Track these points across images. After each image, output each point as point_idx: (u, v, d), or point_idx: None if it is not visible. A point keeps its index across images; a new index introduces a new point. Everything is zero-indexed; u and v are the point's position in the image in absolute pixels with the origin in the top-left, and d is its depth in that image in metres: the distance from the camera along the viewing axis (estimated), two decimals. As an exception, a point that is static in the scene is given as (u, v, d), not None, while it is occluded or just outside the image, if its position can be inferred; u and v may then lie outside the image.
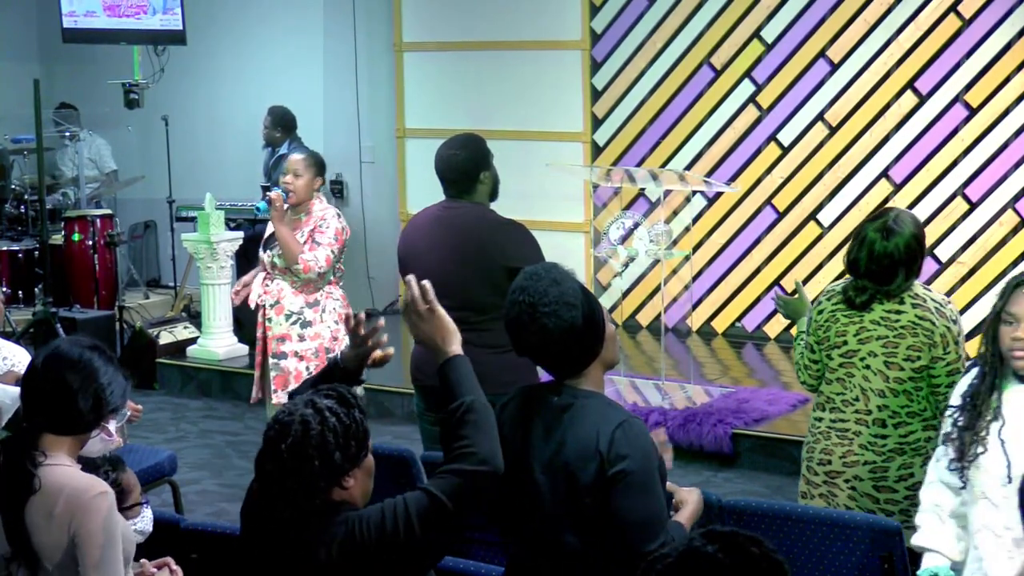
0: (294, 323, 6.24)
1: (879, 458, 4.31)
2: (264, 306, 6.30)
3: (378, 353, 3.24)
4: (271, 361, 6.26)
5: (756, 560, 1.98)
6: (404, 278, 3.04)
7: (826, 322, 4.42)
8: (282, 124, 10.09)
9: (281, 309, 6.26)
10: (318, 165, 6.41)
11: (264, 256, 6.36)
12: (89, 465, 3.53)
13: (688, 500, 3.34)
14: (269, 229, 6.39)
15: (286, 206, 6.26)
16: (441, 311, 3.10)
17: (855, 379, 4.36)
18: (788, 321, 5.11)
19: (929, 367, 4.27)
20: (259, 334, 6.38)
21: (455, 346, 3.07)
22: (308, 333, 6.23)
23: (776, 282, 9.34)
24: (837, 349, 4.39)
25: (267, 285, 6.33)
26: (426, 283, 3.10)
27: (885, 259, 4.26)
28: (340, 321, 3.14)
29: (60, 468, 3.28)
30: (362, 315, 3.27)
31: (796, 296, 4.82)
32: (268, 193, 6.31)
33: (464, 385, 3.00)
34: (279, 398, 6.15)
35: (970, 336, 6.69)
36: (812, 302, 4.60)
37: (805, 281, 9.22)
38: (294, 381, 6.11)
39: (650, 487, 3.09)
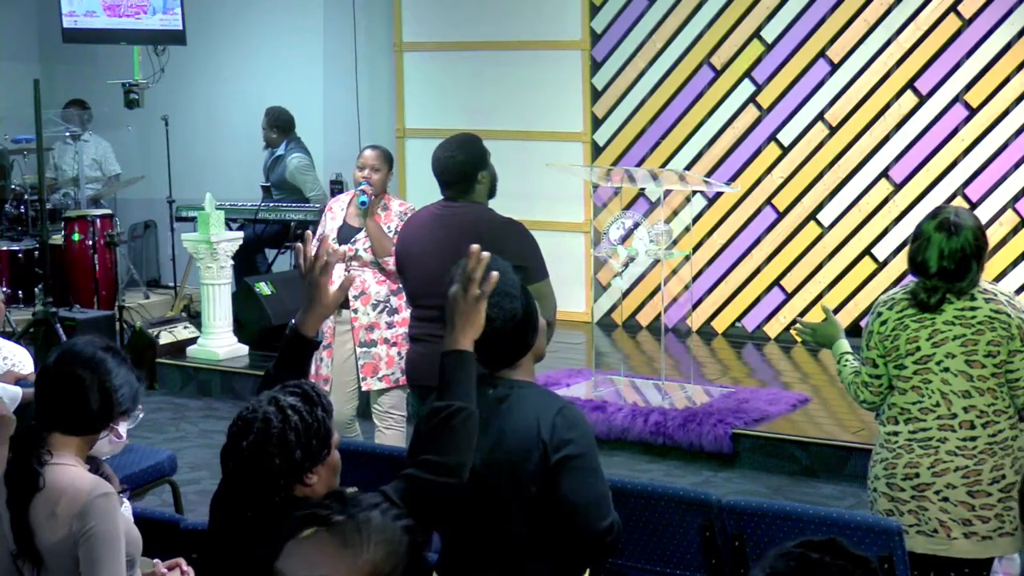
0: (381, 311, 6.37)
1: (970, 462, 4.15)
2: (350, 297, 6.36)
3: (332, 290, 3.22)
4: (360, 350, 6.34)
5: (864, 561, 2.07)
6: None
7: (893, 331, 4.25)
8: (278, 124, 10.09)
9: (368, 299, 6.37)
10: (391, 160, 6.61)
11: (342, 248, 6.41)
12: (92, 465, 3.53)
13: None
14: (326, 224, 6.53)
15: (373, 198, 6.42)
16: (483, 307, 3.00)
17: (933, 384, 4.20)
18: (788, 322, 5.07)
19: (1008, 361, 4.16)
20: (329, 327, 6.42)
21: (470, 341, 3.01)
22: (396, 319, 6.36)
23: (776, 282, 9.35)
24: (910, 356, 4.22)
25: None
26: (495, 274, 2.99)
27: (957, 254, 4.13)
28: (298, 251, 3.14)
29: (65, 467, 3.28)
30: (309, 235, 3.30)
31: (826, 321, 4.64)
32: (362, 188, 6.41)
33: (462, 387, 2.97)
34: (369, 384, 6.32)
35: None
36: (871, 314, 4.43)
37: (805, 281, 9.23)
38: (385, 367, 6.29)
39: (595, 467, 3.21)
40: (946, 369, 4.18)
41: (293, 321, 3.29)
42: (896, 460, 4.24)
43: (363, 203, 6.36)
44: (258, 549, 2.83)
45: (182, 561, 3.54)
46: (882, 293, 4.70)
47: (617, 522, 3.26)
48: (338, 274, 6.30)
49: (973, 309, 4.17)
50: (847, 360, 4.43)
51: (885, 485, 4.26)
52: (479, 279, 2.96)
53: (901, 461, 4.23)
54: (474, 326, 2.99)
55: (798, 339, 8.46)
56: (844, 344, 4.49)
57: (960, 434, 4.17)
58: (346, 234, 6.45)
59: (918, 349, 4.21)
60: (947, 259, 4.14)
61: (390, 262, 6.18)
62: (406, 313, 6.28)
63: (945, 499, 4.17)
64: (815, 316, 8.10)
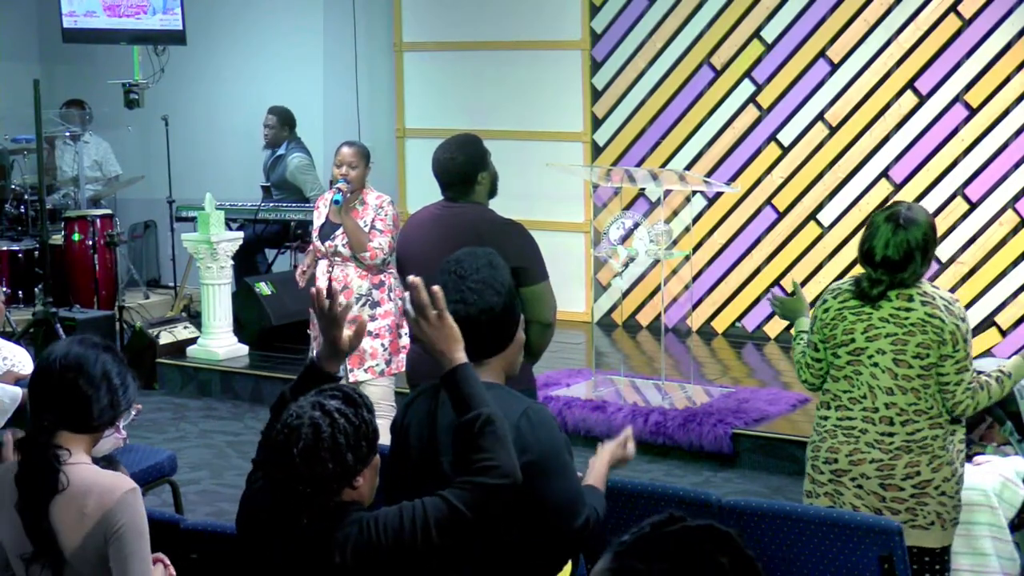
0: (363, 304, 6.57)
1: (886, 456, 4.30)
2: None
3: (347, 333, 3.21)
4: None
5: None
6: (405, 280, 3.04)
7: (832, 320, 4.41)
8: (288, 123, 10.15)
9: (350, 293, 6.54)
10: (367, 156, 6.81)
11: (322, 245, 6.71)
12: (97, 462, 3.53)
13: (593, 464, 3.47)
14: (318, 220, 6.79)
15: (350, 195, 6.64)
16: (449, 318, 3.03)
17: (863, 377, 4.35)
18: (787, 322, 5.11)
19: (938, 364, 4.27)
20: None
21: (460, 353, 3.02)
22: (378, 312, 6.59)
23: (776, 282, 9.35)
24: (844, 347, 4.37)
25: (331, 272, 6.65)
26: (436, 288, 3.04)
27: (902, 245, 4.26)
28: (314, 299, 3.16)
29: (83, 467, 3.28)
30: (335, 287, 3.30)
31: (794, 296, 4.82)
32: (338, 186, 6.65)
33: (477, 396, 2.96)
34: (355, 376, 6.49)
35: (972, 335, 6.65)
36: (816, 300, 4.59)
37: (805, 281, 9.23)
38: (370, 359, 6.52)
39: (560, 469, 3.16)
40: (876, 364, 4.33)
41: (315, 353, 3.27)
42: (820, 444, 4.43)
43: (336, 201, 6.60)
44: (320, 555, 2.84)
45: (163, 557, 3.54)
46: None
47: (593, 515, 3.25)
48: (322, 269, 6.70)
49: (908, 310, 4.29)
50: (801, 338, 4.63)
51: (809, 466, 4.47)
52: (428, 305, 3.00)
53: (824, 445, 4.41)
54: (453, 338, 3.01)
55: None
56: (804, 322, 4.66)
57: (879, 428, 4.32)
58: (327, 231, 6.72)
59: (852, 341, 4.36)
60: (891, 248, 4.27)
61: (366, 257, 6.54)
62: (388, 306, 6.63)
63: (859, 486, 4.34)
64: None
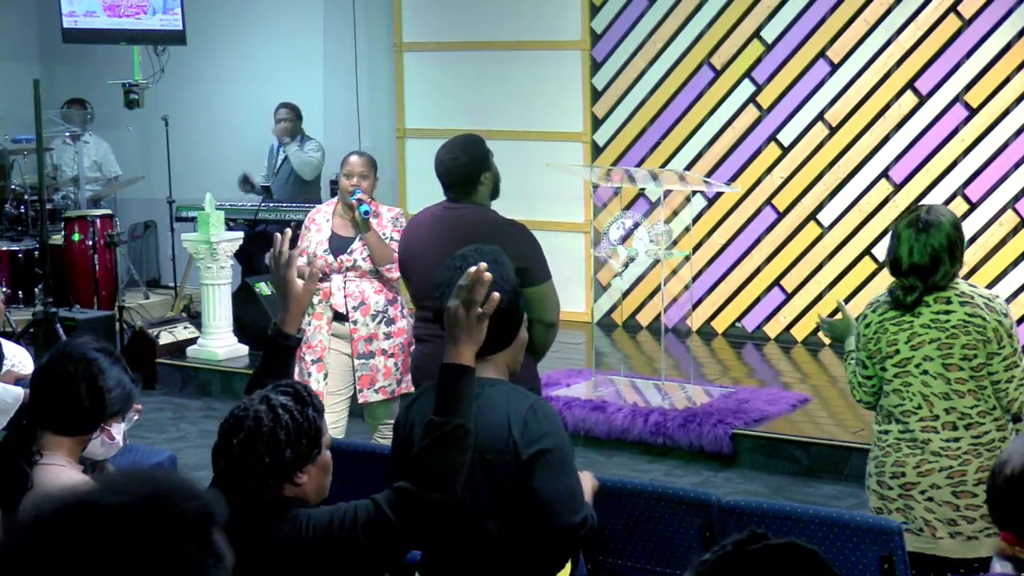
0: (380, 322, 6.24)
1: (955, 462, 4.19)
2: (348, 309, 6.26)
3: (297, 266, 3.26)
4: (358, 361, 6.23)
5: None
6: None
7: (875, 334, 4.31)
8: (300, 117, 10.13)
9: (367, 310, 6.23)
10: (376, 166, 6.49)
11: (336, 260, 6.26)
12: (90, 467, 3.52)
13: (583, 478, 3.49)
14: (311, 237, 6.35)
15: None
16: (485, 324, 2.98)
17: (913, 387, 4.25)
18: (788, 322, 5.10)
19: (987, 364, 4.19)
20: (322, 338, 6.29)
21: (471, 356, 2.98)
22: (392, 330, 6.27)
23: (776, 282, 9.35)
24: (890, 359, 4.27)
25: (345, 288, 6.26)
26: (496, 295, 2.96)
27: (928, 249, 4.18)
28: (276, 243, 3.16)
29: (54, 468, 3.27)
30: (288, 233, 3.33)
31: (839, 316, 4.70)
32: (358, 197, 6.24)
33: (463, 405, 2.93)
34: (365, 396, 6.22)
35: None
36: (857, 317, 4.51)
37: (805, 281, 9.23)
38: (382, 378, 6.20)
39: (567, 463, 3.22)
40: (925, 372, 4.23)
41: (274, 324, 3.31)
42: (885, 459, 4.30)
43: (366, 212, 6.20)
44: (244, 549, 2.83)
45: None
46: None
47: (591, 517, 3.30)
48: (337, 285, 6.26)
49: (948, 313, 4.21)
50: (851, 358, 4.50)
51: (875, 483, 4.33)
52: (481, 299, 2.95)
53: (889, 460, 4.29)
54: (476, 342, 2.97)
55: (826, 341, 8.55)
56: (852, 342, 4.53)
57: (943, 435, 4.21)
58: (338, 245, 6.30)
59: (897, 352, 4.27)
60: (918, 254, 4.19)
61: (392, 269, 6.11)
62: (402, 323, 6.28)
63: (930, 499, 4.22)
64: (821, 315, 8.09)
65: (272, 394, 2.92)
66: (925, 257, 4.18)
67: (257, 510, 2.86)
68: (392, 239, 6.21)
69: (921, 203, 4.62)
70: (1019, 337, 4.31)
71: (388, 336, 6.27)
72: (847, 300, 9.05)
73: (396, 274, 6.10)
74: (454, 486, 2.90)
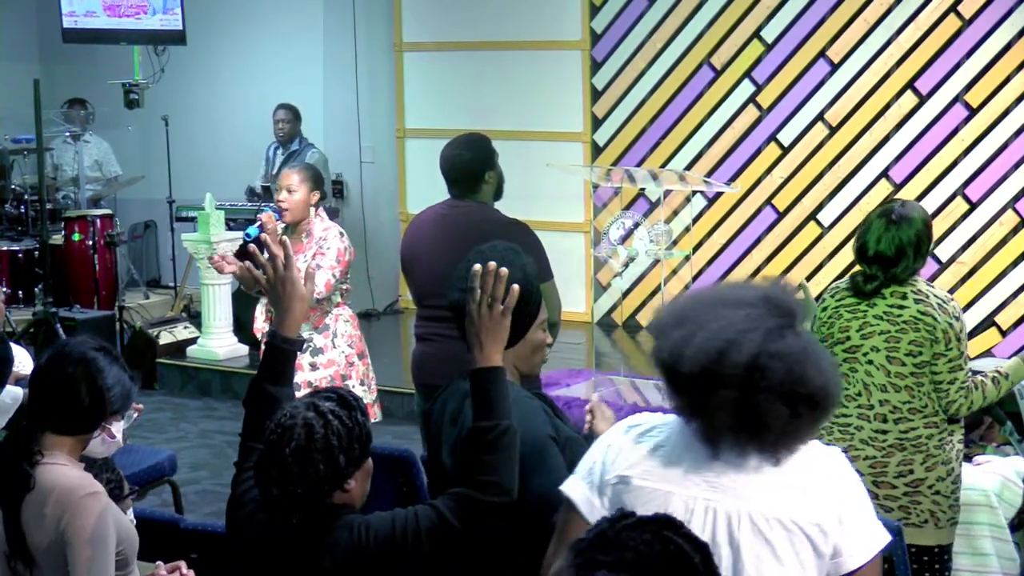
0: (303, 352, 5.43)
1: (879, 453, 4.33)
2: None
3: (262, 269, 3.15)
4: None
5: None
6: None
7: (829, 318, 4.44)
8: (299, 118, 10.14)
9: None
10: (314, 179, 5.83)
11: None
12: (91, 466, 3.53)
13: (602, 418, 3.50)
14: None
15: (280, 227, 5.75)
16: (508, 320, 2.96)
17: (858, 374, 4.37)
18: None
19: (931, 363, 4.28)
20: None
21: (499, 355, 2.96)
22: (320, 361, 5.77)
23: (776, 282, 9.34)
24: (840, 344, 4.39)
25: (269, 312, 5.67)
26: (516, 287, 2.96)
27: (894, 241, 4.29)
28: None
29: (56, 467, 3.28)
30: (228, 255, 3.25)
31: (801, 295, 4.80)
32: (259, 215, 5.85)
33: (502, 406, 2.92)
34: None
35: (972, 335, 6.69)
36: (816, 299, 4.60)
37: (805, 281, 9.23)
38: None
39: (538, 465, 3.11)
40: (870, 361, 4.36)
41: (271, 329, 3.19)
42: (817, 440, 4.36)
43: (248, 235, 5.54)
44: (307, 556, 2.83)
45: (182, 564, 3.52)
46: None
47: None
48: (260, 312, 5.91)
49: (901, 308, 4.32)
50: None
51: None
52: (500, 296, 2.93)
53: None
54: (501, 341, 2.95)
55: None
56: (807, 325, 4.62)
57: (873, 425, 4.35)
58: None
59: (848, 339, 4.39)
60: (883, 244, 4.31)
61: (320, 292, 5.61)
62: (332, 354, 5.78)
63: None
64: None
65: (318, 400, 2.86)
66: (891, 248, 4.30)
67: (307, 518, 2.84)
68: (316, 265, 5.56)
69: (897, 198, 4.68)
70: (968, 343, 4.38)
71: (314, 367, 5.75)
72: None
73: (325, 293, 5.70)
74: (512, 488, 2.89)
